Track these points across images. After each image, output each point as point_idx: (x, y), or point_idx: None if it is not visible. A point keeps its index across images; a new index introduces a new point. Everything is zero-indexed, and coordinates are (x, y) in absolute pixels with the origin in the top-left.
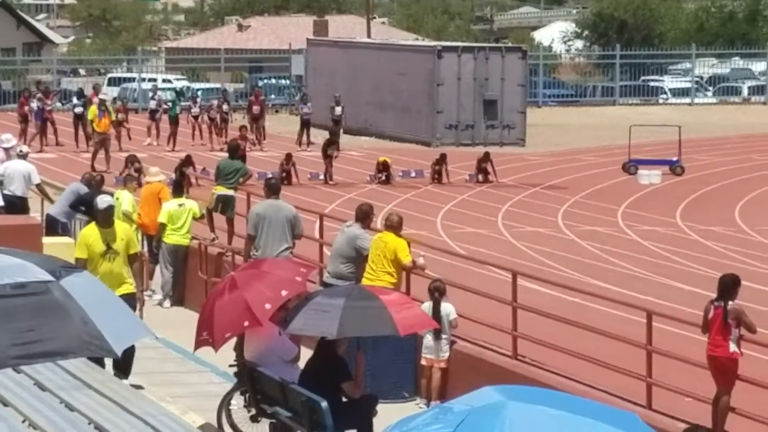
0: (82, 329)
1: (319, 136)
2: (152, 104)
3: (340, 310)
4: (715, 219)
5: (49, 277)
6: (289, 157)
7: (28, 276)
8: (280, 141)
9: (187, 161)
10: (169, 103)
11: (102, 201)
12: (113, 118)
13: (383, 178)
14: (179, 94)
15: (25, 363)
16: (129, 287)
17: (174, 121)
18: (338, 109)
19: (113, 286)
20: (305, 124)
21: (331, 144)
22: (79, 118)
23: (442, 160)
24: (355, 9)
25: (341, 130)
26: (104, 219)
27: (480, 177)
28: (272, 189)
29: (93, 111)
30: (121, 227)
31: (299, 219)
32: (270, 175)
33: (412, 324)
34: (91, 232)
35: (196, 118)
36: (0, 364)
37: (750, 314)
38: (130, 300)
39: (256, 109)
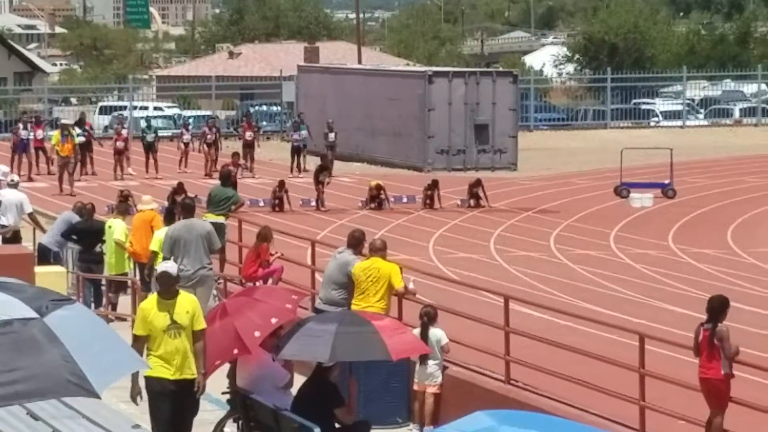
0: (62, 368)
1: (311, 162)
2: (123, 133)
3: (332, 335)
4: (708, 241)
5: (32, 315)
6: (282, 184)
7: (11, 313)
8: (272, 168)
9: (179, 189)
10: (141, 131)
11: (163, 266)
12: (75, 142)
13: (375, 205)
14: (148, 123)
15: (3, 404)
16: (192, 371)
17: (148, 148)
18: (331, 135)
19: (178, 367)
20: (296, 151)
21: (323, 170)
22: (82, 147)
23: (434, 185)
24: (345, 35)
25: (333, 156)
26: (166, 288)
27: (471, 202)
28: (186, 209)
29: (56, 136)
30: (186, 298)
31: (214, 234)
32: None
33: (405, 349)
34: (151, 305)
35: (186, 145)
36: None
37: (742, 336)
38: (189, 387)
39: (249, 135)
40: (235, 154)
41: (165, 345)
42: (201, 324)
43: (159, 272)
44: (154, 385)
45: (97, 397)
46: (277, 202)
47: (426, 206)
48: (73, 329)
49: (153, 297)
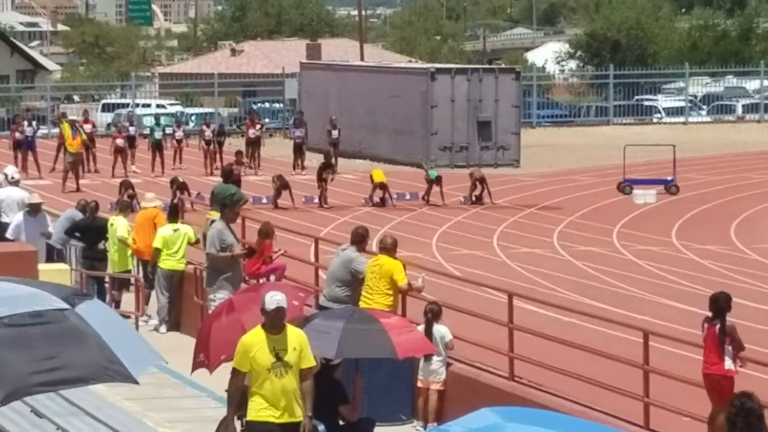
0: (100, 355)
1: (314, 159)
2: (131, 130)
3: (339, 332)
4: (711, 238)
5: (64, 305)
6: (280, 178)
7: (44, 304)
8: (275, 165)
9: (182, 186)
10: (147, 129)
11: (271, 299)
12: (84, 138)
13: (379, 201)
14: (157, 121)
15: (48, 390)
16: (298, 414)
17: (156, 146)
18: (335, 133)
19: (285, 409)
20: (298, 148)
21: (327, 167)
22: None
23: (437, 182)
24: (347, 32)
25: (337, 153)
26: (274, 322)
27: (473, 197)
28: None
29: (67, 131)
30: (294, 333)
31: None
32: None
33: (412, 348)
34: (256, 339)
35: (179, 142)
36: (23, 391)
37: (746, 332)
38: (294, 429)
39: (252, 132)
40: (239, 153)
41: (270, 385)
42: (310, 362)
43: (274, 308)
44: (258, 429)
45: (136, 382)
46: (275, 194)
47: (424, 201)
48: (100, 321)
49: (258, 330)
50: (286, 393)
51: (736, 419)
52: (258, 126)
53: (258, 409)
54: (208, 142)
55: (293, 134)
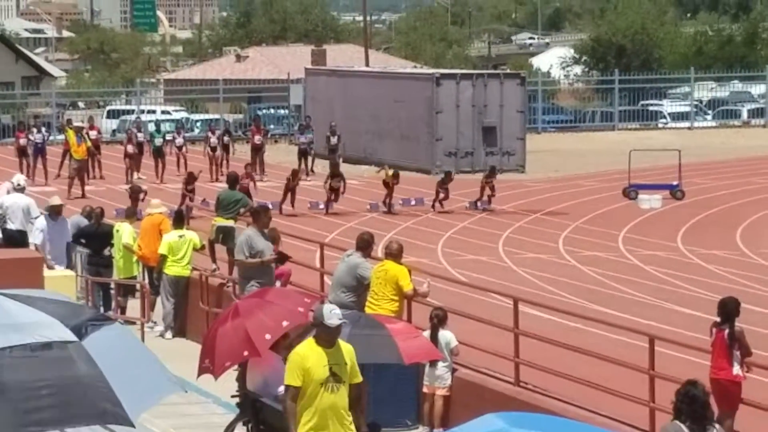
0: (98, 395)
1: (319, 165)
2: (140, 137)
3: (345, 337)
4: (717, 243)
5: (71, 338)
6: (295, 173)
7: (51, 336)
8: (280, 171)
9: (190, 178)
10: (149, 135)
11: (331, 314)
12: (89, 145)
13: (385, 206)
14: (158, 127)
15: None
16: (351, 430)
17: (156, 153)
18: (333, 139)
19: (331, 424)
20: (303, 154)
21: (334, 177)
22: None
23: (448, 179)
24: (352, 38)
25: (340, 160)
26: (333, 338)
27: (485, 196)
28: (253, 214)
29: (72, 138)
30: (346, 348)
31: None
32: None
33: (418, 353)
34: (310, 352)
35: (180, 148)
36: (15, 429)
37: (753, 337)
38: None
39: (258, 139)
40: (249, 165)
41: (321, 400)
42: (359, 377)
43: (336, 325)
44: None
45: (132, 425)
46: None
47: (436, 202)
48: (110, 352)
49: (310, 343)
50: (336, 409)
51: (681, 406)
52: (263, 132)
53: (308, 425)
54: (213, 149)
55: (298, 140)
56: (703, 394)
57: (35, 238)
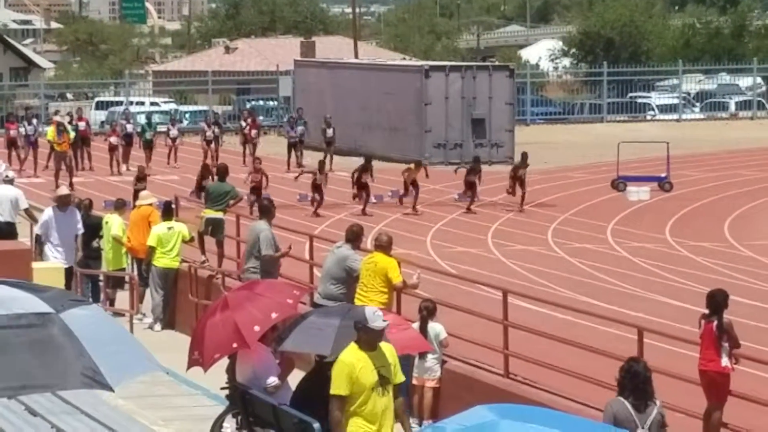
0: (76, 362)
1: (308, 156)
2: (129, 128)
3: (335, 329)
4: (705, 234)
5: (48, 310)
6: (321, 164)
7: (27, 308)
8: (270, 163)
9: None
10: (140, 128)
11: (375, 316)
12: (71, 136)
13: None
14: (149, 120)
15: (16, 395)
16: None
17: (147, 146)
18: (329, 131)
19: (379, 427)
20: (293, 146)
21: (365, 171)
22: (76, 142)
23: (477, 165)
24: (341, 30)
25: (332, 152)
26: (376, 340)
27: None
28: (261, 211)
29: (52, 132)
30: (387, 348)
31: (264, 240)
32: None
33: (407, 345)
34: (356, 358)
35: (174, 140)
36: None
37: (741, 329)
38: None
39: (253, 132)
40: (257, 159)
41: (372, 404)
42: (400, 377)
43: (381, 328)
44: None
45: (111, 389)
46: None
47: (471, 203)
48: (88, 328)
49: (353, 349)
50: (385, 411)
51: (624, 382)
52: (258, 126)
53: (361, 431)
54: (209, 142)
55: (288, 133)
56: (644, 370)
57: (37, 227)
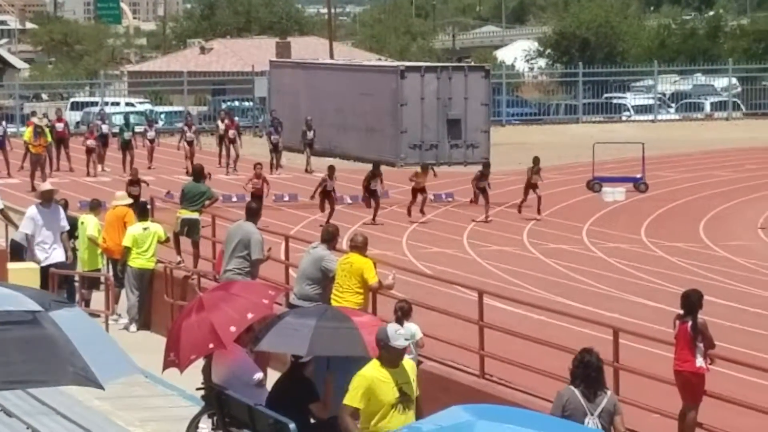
0: (68, 360)
1: (284, 157)
2: (104, 129)
3: (311, 329)
4: (680, 235)
5: (37, 307)
6: (332, 170)
7: (17, 305)
8: (246, 163)
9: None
10: (118, 129)
11: (397, 335)
12: (48, 140)
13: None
14: (126, 120)
15: (8, 388)
16: None
17: (125, 147)
18: (310, 133)
19: None
20: (275, 148)
21: (375, 177)
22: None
23: (486, 170)
24: (317, 30)
25: (311, 153)
26: (398, 358)
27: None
28: (247, 212)
29: (29, 133)
30: (409, 364)
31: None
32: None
33: None
34: (377, 374)
35: (152, 141)
36: None
37: (716, 330)
38: None
39: (232, 133)
40: (258, 165)
41: (393, 421)
42: (417, 390)
43: (403, 347)
44: None
45: (102, 387)
46: (328, 190)
47: (475, 202)
48: (73, 327)
49: (375, 365)
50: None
51: (576, 371)
52: (236, 126)
53: None
54: (189, 143)
55: (271, 138)
56: (596, 360)
57: (24, 227)
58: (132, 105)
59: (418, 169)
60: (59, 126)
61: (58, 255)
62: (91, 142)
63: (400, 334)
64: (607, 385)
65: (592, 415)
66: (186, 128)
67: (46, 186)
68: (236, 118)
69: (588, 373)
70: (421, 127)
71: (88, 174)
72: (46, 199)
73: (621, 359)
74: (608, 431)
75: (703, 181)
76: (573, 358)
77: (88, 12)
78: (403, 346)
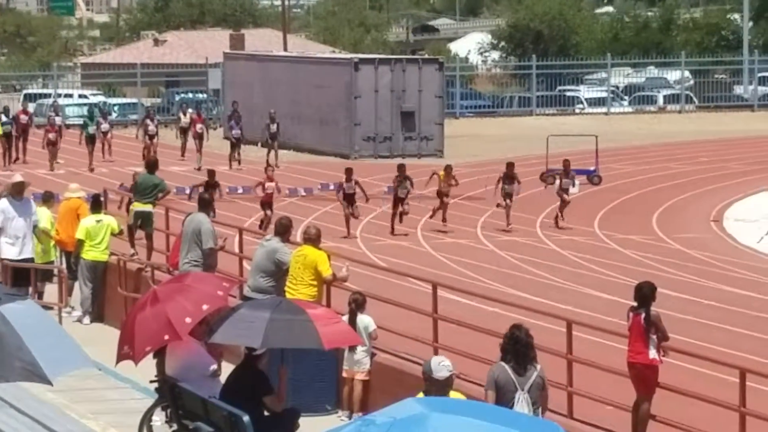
0: (14, 355)
1: (250, 152)
2: (57, 121)
3: (265, 322)
4: (633, 228)
5: None
6: (349, 171)
7: None
8: (205, 156)
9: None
10: (81, 121)
11: (440, 366)
12: (1, 132)
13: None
14: (90, 113)
15: None
16: None
17: (90, 141)
18: (273, 126)
19: None
20: (236, 143)
21: (404, 179)
22: (8, 137)
23: (510, 171)
24: (271, 22)
25: (276, 146)
26: (443, 390)
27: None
28: (200, 203)
29: None
30: (457, 396)
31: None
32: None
33: (337, 339)
34: None
35: (105, 134)
36: None
37: (668, 321)
38: None
39: (200, 127)
40: (269, 167)
41: None
42: None
43: (444, 377)
44: None
45: (50, 383)
46: (352, 192)
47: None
48: (24, 321)
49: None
50: None
51: (507, 347)
52: (202, 120)
53: None
54: (151, 136)
55: (230, 132)
56: (525, 336)
57: None
58: (85, 97)
59: (441, 171)
60: (23, 118)
61: (30, 249)
62: (52, 135)
63: (444, 365)
64: (537, 361)
65: (522, 389)
66: (148, 121)
67: (17, 178)
68: (190, 110)
69: (518, 348)
70: (375, 120)
71: (51, 168)
72: (17, 191)
73: (574, 351)
74: (537, 405)
75: (656, 173)
76: (504, 335)
77: (40, 3)
78: (444, 377)
